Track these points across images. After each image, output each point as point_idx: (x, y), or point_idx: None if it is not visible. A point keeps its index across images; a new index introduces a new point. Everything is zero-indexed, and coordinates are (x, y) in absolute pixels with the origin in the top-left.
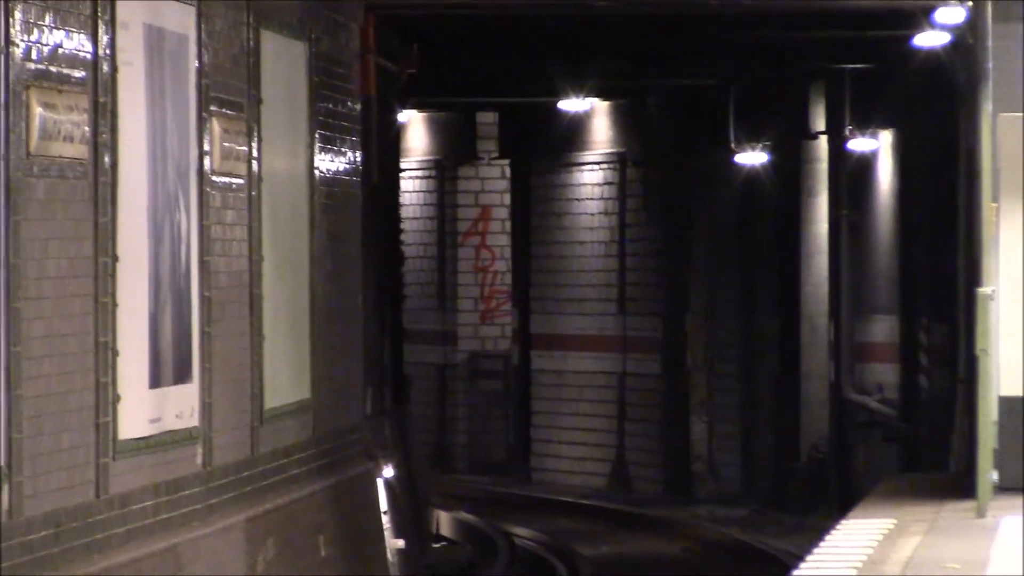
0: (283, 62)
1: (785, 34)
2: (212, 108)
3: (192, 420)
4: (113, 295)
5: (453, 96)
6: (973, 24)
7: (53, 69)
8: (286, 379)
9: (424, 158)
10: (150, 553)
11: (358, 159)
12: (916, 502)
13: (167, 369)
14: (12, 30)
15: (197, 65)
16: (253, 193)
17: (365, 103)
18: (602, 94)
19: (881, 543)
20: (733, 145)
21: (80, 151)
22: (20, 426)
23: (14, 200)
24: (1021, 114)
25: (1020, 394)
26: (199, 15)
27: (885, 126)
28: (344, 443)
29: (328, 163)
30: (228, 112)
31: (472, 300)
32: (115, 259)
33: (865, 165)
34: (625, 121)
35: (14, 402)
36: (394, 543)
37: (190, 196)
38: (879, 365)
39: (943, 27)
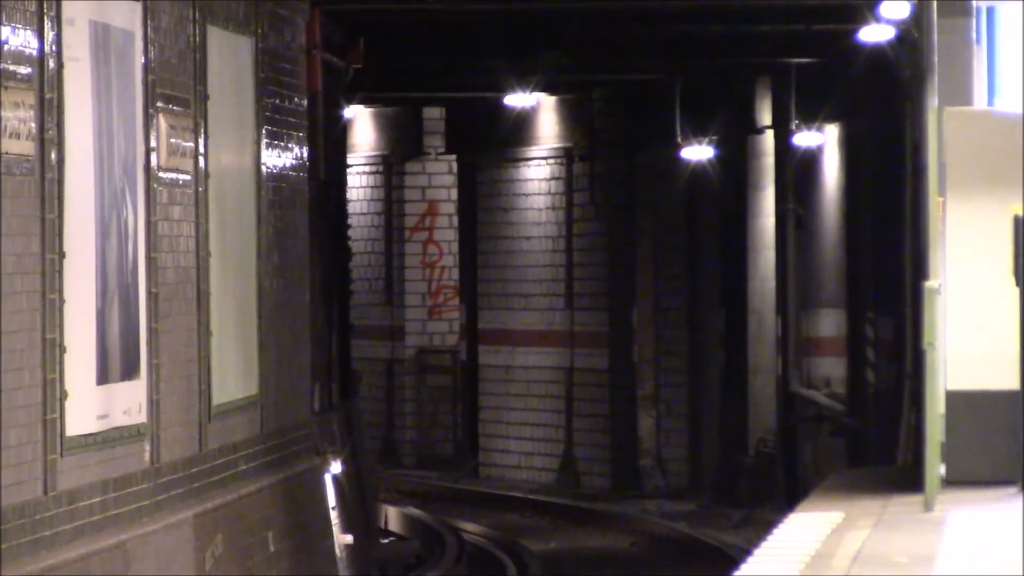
0: (229, 58)
1: (731, 28)
2: (159, 104)
3: (140, 416)
4: (60, 291)
5: (399, 91)
6: (918, 18)
7: None
8: (234, 375)
9: (371, 153)
10: (98, 550)
11: (305, 155)
12: (864, 496)
13: (115, 365)
14: None
15: (143, 61)
16: (200, 189)
17: (311, 99)
18: (548, 89)
19: (829, 537)
20: (679, 139)
21: (27, 147)
22: None
23: None
24: (966, 108)
25: (967, 388)
26: (145, 11)
27: (831, 120)
28: (292, 439)
29: (275, 159)
30: (175, 108)
31: (420, 296)
32: (62, 255)
33: (811, 159)
34: (571, 116)
35: None
36: (342, 538)
37: (137, 192)
38: (826, 359)
39: (888, 21)
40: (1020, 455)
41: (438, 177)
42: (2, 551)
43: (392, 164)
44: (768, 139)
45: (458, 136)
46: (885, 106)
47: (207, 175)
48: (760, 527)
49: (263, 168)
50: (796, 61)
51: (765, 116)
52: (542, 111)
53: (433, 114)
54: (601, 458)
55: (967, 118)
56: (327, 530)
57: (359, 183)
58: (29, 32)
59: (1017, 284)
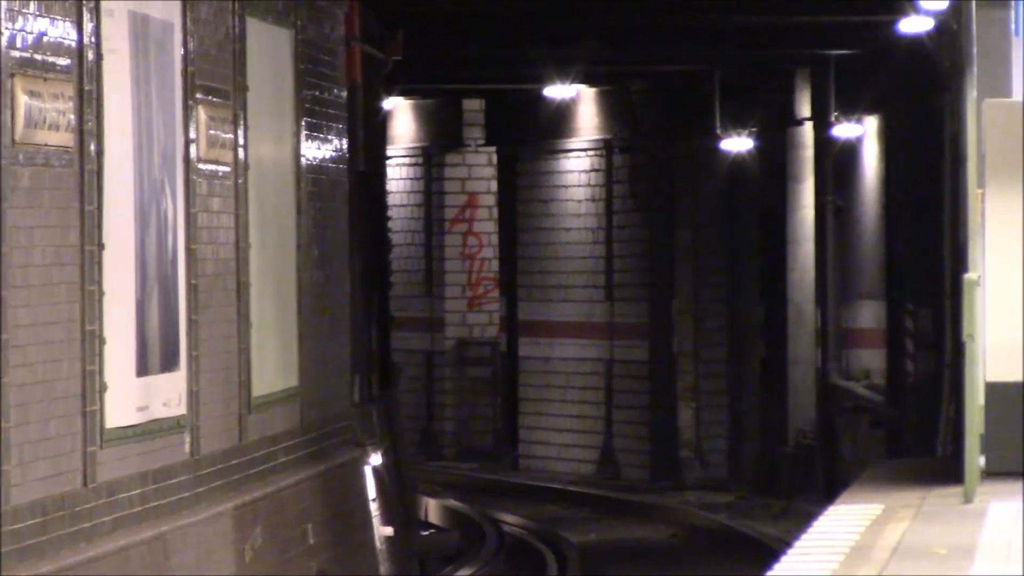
0: (268, 49)
1: (770, 19)
2: (198, 96)
3: (179, 408)
4: (99, 283)
5: (439, 83)
6: (957, 9)
7: (38, 57)
8: (273, 367)
9: (410, 145)
10: (137, 541)
11: (344, 146)
12: (903, 487)
13: (154, 357)
14: None
15: (182, 52)
16: (239, 181)
17: (351, 90)
18: (588, 80)
19: (869, 528)
20: (719, 131)
21: (66, 139)
22: (7, 415)
23: (0, 188)
24: (1005, 100)
25: (1007, 379)
26: (184, 2)
27: (870, 112)
28: (332, 431)
29: (314, 150)
30: (214, 100)
31: (459, 287)
32: (101, 247)
33: (850, 151)
34: (611, 107)
35: (1, 391)
36: (382, 530)
37: (176, 184)
38: (865, 351)
39: (927, 12)
40: None
41: (478, 169)
42: (43, 542)
43: (432, 156)
44: (807, 131)
45: (498, 128)
46: (924, 98)
47: (246, 166)
48: (799, 518)
49: (302, 159)
50: (835, 52)
51: (804, 108)
52: (581, 103)
53: (473, 106)
54: (640, 450)
55: (1006, 109)
56: (367, 522)
57: (399, 175)
58: (68, 23)
59: None
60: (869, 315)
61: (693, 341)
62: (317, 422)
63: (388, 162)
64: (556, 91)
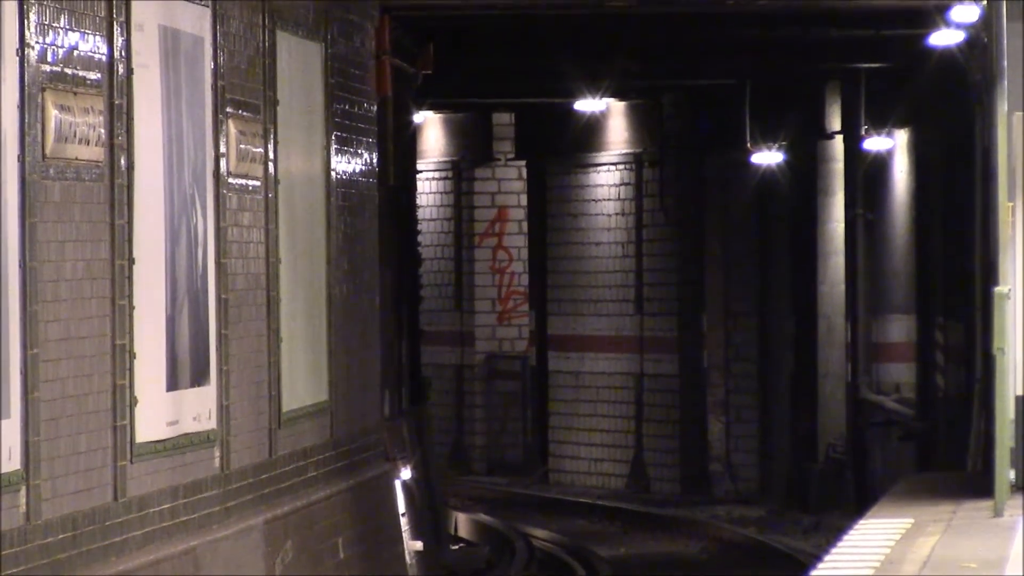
0: (299, 63)
1: (800, 33)
2: (228, 110)
3: (210, 423)
4: (130, 297)
5: (469, 97)
6: (988, 23)
7: (68, 71)
8: (304, 381)
9: (440, 159)
10: (168, 556)
11: (374, 160)
12: (933, 501)
13: (184, 372)
14: (27, 32)
15: (213, 67)
16: (270, 195)
17: (381, 104)
18: (618, 94)
19: (899, 542)
20: (749, 145)
21: (96, 153)
22: (37, 429)
23: (30, 202)
24: None
25: None
26: (214, 16)
27: (901, 125)
28: (362, 445)
29: (344, 164)
30: (244, 114)
31: (489, 301)
32: (132, 261)
33: (881, 164)
34: (641, 121)
35: (31, 405)
36: (412, 544)
37: (207, 198)
38: (896, 365)
39: (958, 26)
40: None
41: (508, 183)
42: (73, 556)
43: (462, 170)
44: (837, 144)
45: (528, 142)
46: (955, 111)
47: (276, 181)
48: (830, 533)
49: (332, 174)
50: (866, 66)
51: (835, 121)
52: (612, 116)
53: (503, 119)
54: (671, 464)
55: None
56: (397, 536)
57: (429, 189)
58: (98, 38)
59: None
60: (899, 328)
61: (723, 355)
62: (347, 436)
63: (418, 176)
64: (586, 105)
